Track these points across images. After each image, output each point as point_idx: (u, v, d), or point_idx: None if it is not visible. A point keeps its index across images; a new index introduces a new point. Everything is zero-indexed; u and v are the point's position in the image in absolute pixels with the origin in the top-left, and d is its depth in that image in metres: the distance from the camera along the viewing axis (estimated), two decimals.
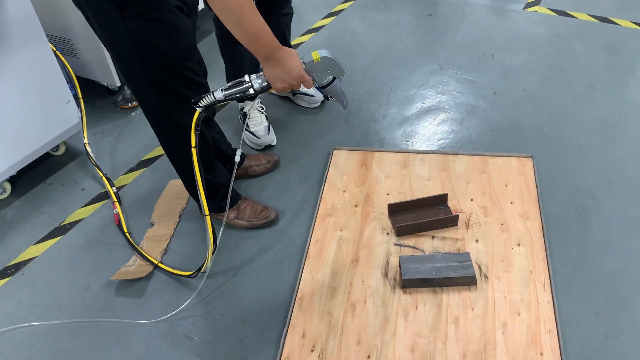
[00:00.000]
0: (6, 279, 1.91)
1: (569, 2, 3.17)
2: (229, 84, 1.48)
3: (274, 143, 2.37)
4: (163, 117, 1.67)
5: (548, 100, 2.49)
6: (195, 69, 1.60)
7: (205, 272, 1.76)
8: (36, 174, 2.33)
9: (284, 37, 2.36)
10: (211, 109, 1.51)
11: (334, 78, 1.53)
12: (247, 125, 2.35)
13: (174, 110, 1.62)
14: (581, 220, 1.93)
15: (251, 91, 1.47)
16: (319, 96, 2.51)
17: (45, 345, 1.71)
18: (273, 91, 2.61)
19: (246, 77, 1.47)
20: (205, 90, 1.53)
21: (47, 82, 2.13)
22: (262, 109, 2.41)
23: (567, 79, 2.60)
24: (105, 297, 1.83)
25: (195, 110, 1.49)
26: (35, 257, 1.99)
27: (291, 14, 2.34)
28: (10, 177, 2.17)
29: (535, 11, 3.14)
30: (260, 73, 1.47)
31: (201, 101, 1.47)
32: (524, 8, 3.17)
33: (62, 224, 2.10)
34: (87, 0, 1.43)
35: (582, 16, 3.05)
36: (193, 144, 1.52)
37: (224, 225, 1.74)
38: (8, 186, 2.21)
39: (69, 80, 2.31)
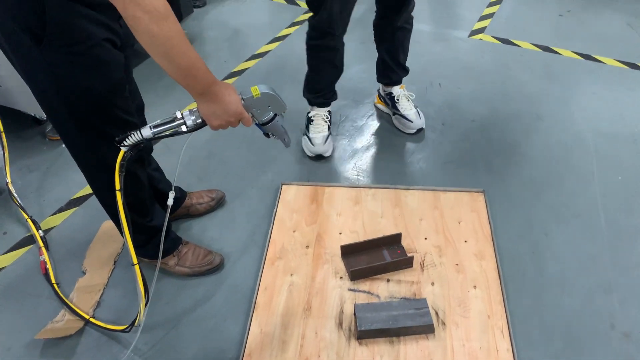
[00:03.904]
0: None
1: (512, 31, 3.21)
2: (159, 121, 1.34)
3: (327, 155, 2.34)
4: (88, 157, 1.52)
5: (497, 131, 2.48)
6: (124, 106, 1.45)
7: (139, 325, 1.59)
8: None
9: (397, 54, 2.33)
10: (137, 147, 1.36)
11: (275, 114, 1.42)
12: (308, 130, 2.36)
13: (100, 150, 1.46)
14: (536, 259, 1.90)
15: (183, 128, 1.33)
16: None
17: None
18: None
19: (178, 113, 1.33)
20: (135, 129, 1.38)
21: None
22: (327, 117, 2.37)
23: (515, 108, 2.61)
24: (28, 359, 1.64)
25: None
26: None
27: (408, 30, 2.30)
28: None
29: (480, 39, 3.15)
30: (194, 109, 1.33)
31: (127, 139, 1.31)
32: (469, 36, 3.19)
33: None
34: (1, 26, 1.26)
35: (526, 45, 3.09)
36: (117, 186, 1.37)
37: (156, 274, 1.56)
38: None
39: None
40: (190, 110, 1.34)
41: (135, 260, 1.46)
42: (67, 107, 1.37)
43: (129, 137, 1.32)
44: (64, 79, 1.31)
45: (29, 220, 2.02)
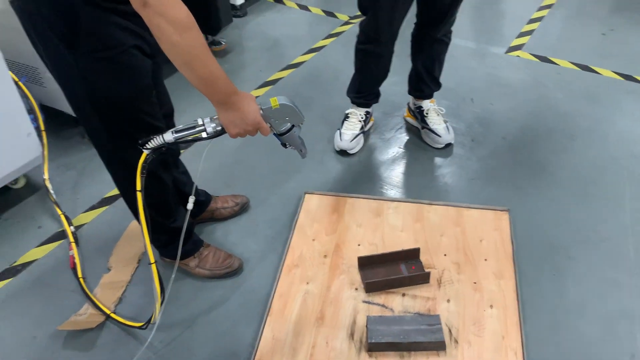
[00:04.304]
0: None
1: (551, 48, 3.15)
2: (181, 126, 1.39)
3: (352, 152, 2.43)
4: (114, 157, 1.59)
5: (527, 149, 2.44)
6: (150, 110, 1.51)
7: (154, 323, 1.64)
8: None
9: (432, 66, 2.37)
10: (160, 151, 1.42)
11: (293, 126, 1.46)
12: (342, 125, 2.46)
13: (126, 152, 1.52)
14: (556, 282, 1.86)
15: (204, 135, 1.39)
16: None
17: None
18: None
19: (199, 120, 1.39)
20: (159, 133, 1.44)
21: (6, 114, 2.02)
22: (362, 118, 2.45)
23: (547, 127, 2.56)
24: (51, 349, 1.71)
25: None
26: None
27: (446, 43, 2.33)
28: None
29: (518, 56, 3.11)
30: (215, 117, 1.38)
31: (149, 143, 1.38)
32: (506, 52, 3.15)
33: (13, 264, 1.98)
34: (38, 33, 1.35)
35: (564, 63, 3.03)
36: (138, 187, 1.43)
37: (174, 274, 1.60)
38: None
39: (31, 111, 2.21)
40: (211, 118, 1.39)
41: (152, 260, 1.51)
42: (94, 109, 1.44)
43: (152, 141, 1.38)
44: (93, 82, 1.38)
45: (62, 216, 2.12)
